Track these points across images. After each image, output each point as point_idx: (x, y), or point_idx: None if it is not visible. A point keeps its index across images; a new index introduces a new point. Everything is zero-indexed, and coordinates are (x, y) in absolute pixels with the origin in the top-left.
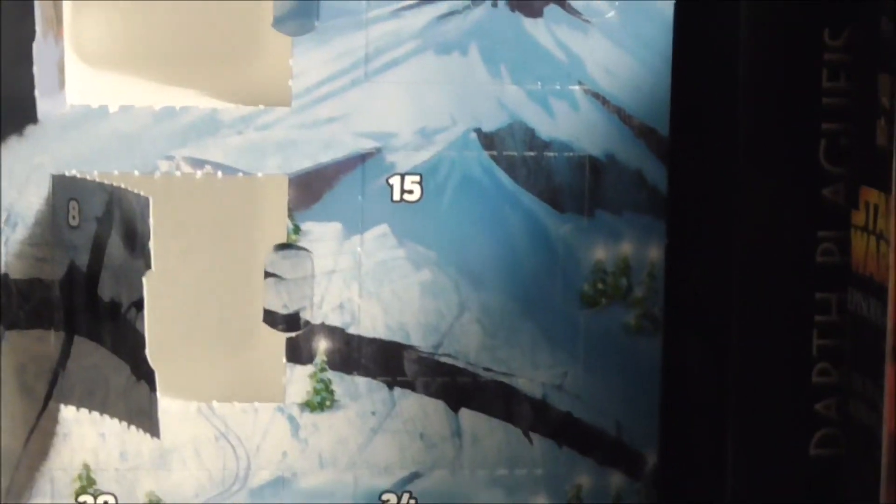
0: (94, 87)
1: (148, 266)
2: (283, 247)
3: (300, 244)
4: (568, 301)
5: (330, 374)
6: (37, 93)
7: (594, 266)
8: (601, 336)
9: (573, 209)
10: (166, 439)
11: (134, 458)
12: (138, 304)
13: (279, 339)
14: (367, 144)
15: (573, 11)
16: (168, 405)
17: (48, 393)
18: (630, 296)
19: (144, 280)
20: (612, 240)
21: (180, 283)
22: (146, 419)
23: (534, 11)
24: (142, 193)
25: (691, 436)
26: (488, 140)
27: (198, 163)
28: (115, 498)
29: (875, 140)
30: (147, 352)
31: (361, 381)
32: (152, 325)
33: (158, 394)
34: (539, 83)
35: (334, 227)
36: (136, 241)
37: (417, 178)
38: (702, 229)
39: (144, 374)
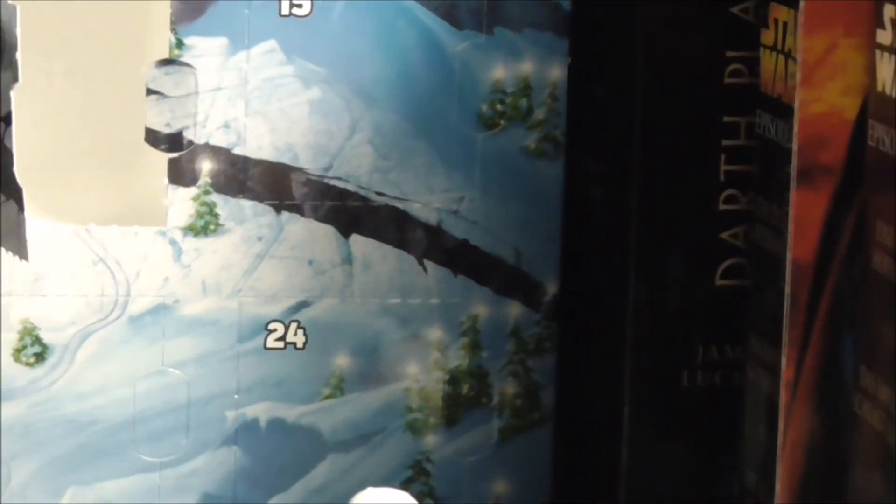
0: None
1: (16, 79)
2: (165, 62)
3: (184, 59)
4: (465, 122)
5: (214, 197)
6: None
7: (493, 86)
8: (500, 159)
9: (471, 25)
10: (41, 263)
11: (6, 282)
12: (7, 119)
13: (161, 159)
14: None
15: None
16: (43, 228)
17: None
18: (530, 117)
19: (12, 93)
20: (511, 58)
21: (58, 100)
22: (15, 240)
23: None
24: (10, 2)
25: (592, 265)
26: None
27: None
28: None
29: None
30: (15, 169)
31: (247, 205)
32: (27, 144)
33: (29, 214)
34: None
35: (220, 42)
36: (3, 53)
37: None
38: (606, 48)
39: (13, 193)
